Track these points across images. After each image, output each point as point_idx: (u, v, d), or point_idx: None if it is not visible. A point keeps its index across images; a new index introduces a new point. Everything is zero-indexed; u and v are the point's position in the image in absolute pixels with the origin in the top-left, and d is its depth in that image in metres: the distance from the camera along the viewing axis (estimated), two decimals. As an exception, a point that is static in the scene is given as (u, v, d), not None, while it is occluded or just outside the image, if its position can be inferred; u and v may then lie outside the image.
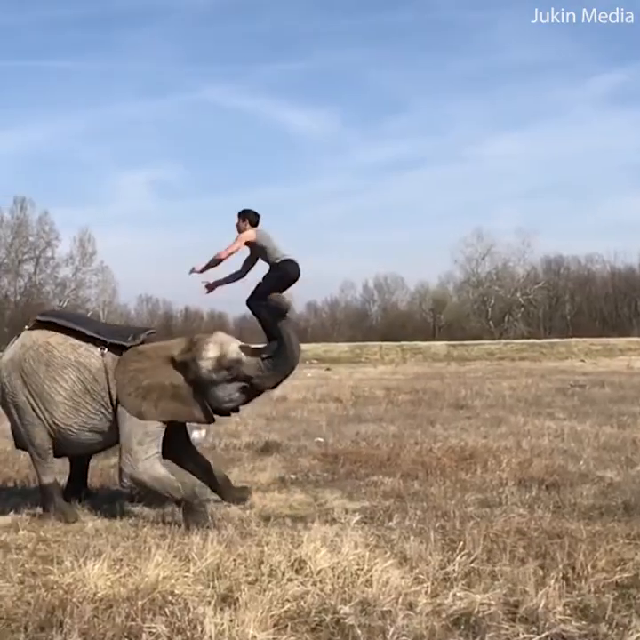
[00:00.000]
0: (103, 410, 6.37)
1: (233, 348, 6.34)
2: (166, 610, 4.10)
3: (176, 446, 6.69)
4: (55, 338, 6.52)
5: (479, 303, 66.04)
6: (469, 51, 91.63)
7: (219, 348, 6.31)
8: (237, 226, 6.90)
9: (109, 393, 6.34)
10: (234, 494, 6.74)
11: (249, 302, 6.81)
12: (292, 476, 7.79)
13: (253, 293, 6.80)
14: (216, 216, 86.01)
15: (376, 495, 6.86)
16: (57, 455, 6.67)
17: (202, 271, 6.88)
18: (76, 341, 6.49)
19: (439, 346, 44.70)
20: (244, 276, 7.00)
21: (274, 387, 6.60)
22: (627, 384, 18.49)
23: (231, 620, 3.87)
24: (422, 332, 61.50)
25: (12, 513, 6.53)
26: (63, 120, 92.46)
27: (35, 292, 60.35)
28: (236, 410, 6.73)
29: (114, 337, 6.49)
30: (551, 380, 20.45)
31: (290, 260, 6.78)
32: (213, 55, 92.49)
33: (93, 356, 6.42)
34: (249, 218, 6.90)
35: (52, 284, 61.79)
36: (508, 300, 65.27)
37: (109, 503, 6.72)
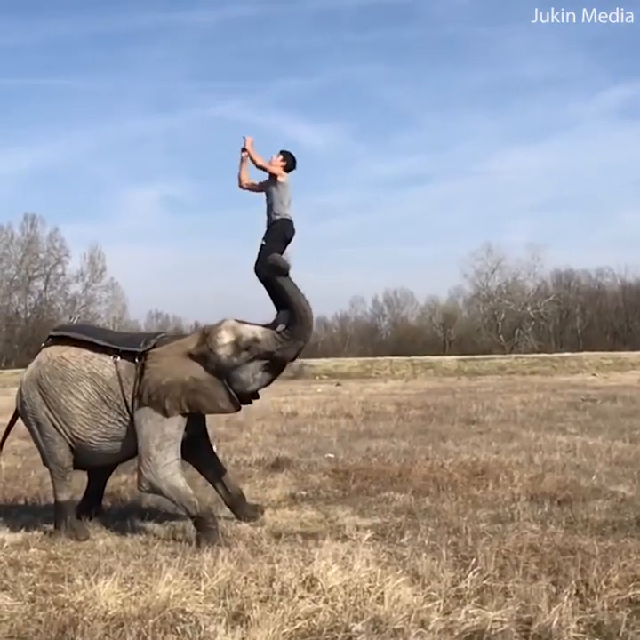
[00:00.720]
0: (121, 418, 6.36)
1: (246, 328, 6.32)
2: (177, 628, 4.09)
3: (198, 452, 6.70)
4: (69, 351, 6.55)
5: (489, 317, 65.85)
6: (478, 66, 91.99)
7: (232, 332, 6.29)
8: (271, 160, 6.94)
9: (125, 400, 6.33)
10: (246, 511, 6.72)
11: (256, 268, 6.78)
12: (303, 493, 7.77)
13: (258, 258, 6.80)
14: (226, 232, 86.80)
15: (387, 511, 6.84)
16: (80, 468, 6.68)
17: (246, 153, 6.99)
18: (89, 353, 6.50)
19: (450, 360, 44.58)
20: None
21: (295, 357, 6.49)
22: (638, 398, 18.39)
23: (242, 639, 3.86)
24: (432, 346, 61.35)
25: (22, 530, 6.53)
26: (73, 137, 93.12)
27: (45, 309, 60.55)
28: (256, 396, 6.64)
29: (125, 344, 6.49)
30: (562, 395, 20.35)
31: (287, 220, 6.80)
32: (222, 71, 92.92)
33: (106, 366, 6.42)
34: (288, 161, 6.96)
35: (62, 301, 62.05)
36: (518, 314, 65.07)
37: (120, 521, 6.71)
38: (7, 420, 7.04)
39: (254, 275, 6.83)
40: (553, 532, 5.90)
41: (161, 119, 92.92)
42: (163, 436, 6.20)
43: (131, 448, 6.39)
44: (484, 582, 4.69)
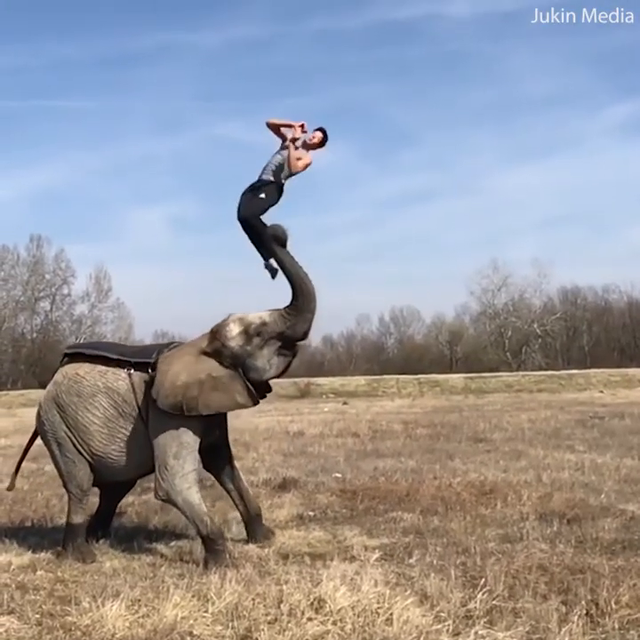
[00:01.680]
0: (138, 430, 6.33)
1: (252, 315, 6.30)
2: (185, 651, 4.06)
3: (219, 462, 6.67)
4: (83, 368, 6.57)
5: (496, 335, 65.78)
6: (482, 83, 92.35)
7: (239, 322, 6.27)
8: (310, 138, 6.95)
9: (140, 411, 6.31)
10: (260, 532, 6.65)
11: (240, 215, 6.74)
12: (311, 513, 7.74)
13: (241, 203, 6.76)
14: (232, 251, 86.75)
15: (395, 531, 6.80)
16: (102, 484, 6.67)
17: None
18: (103, 367, 6.52)
19: (456, 378, 44.47)
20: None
21: (306, 332, 6.33)
22: (647, 415, 18.31)
23: (250, 661, 3.83)
24: (439, 364, 61.29)
25: (29, 553, 6.52)
26: (79, 158, 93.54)
27: (51, 330, 60.70)
28: (269, 388, 6.59)
29: (138, 356, 6.51)
30: (570, 412, 20.28)
31: (278, 185, 6.79)
32: (227, 91, 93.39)
33: (120, 379, 6.42)
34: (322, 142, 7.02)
35: (68, 321, 62.22)
36: (525, 331, 65.00)
37: (127, 543, 6.69)
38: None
39: (239, 222, 6.76)
40: (562, 552, 5.86)
41: (166, 139, 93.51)
42: (180, 444, 6.16)
43: (150, 462, 6.30)
44: (494, 602, 4.66)
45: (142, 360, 6.43)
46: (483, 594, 4.72)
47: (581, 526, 6.68)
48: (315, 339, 65.56)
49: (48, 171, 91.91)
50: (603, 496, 7.94)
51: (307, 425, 17.73)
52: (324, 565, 5.61)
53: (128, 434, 6.37)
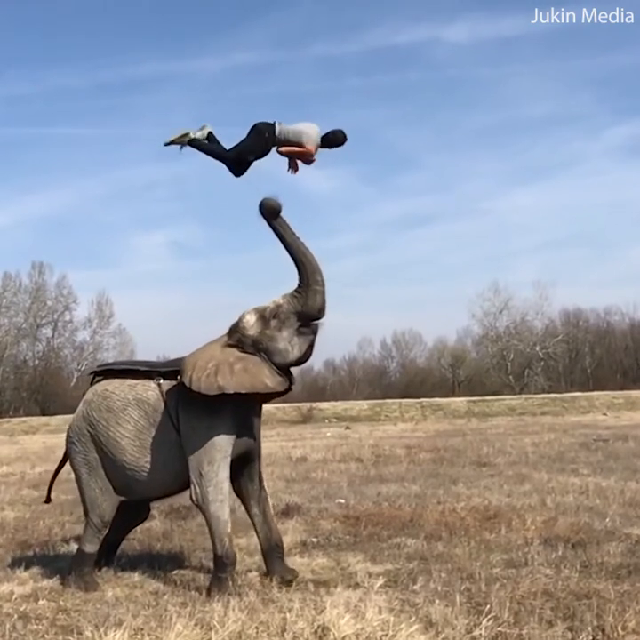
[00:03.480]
0: (170, 441, 6.22)
1: (264, 304, 6.26)
2: (188, 681, 4.03)
3: (248, 482, 6.49)
4: (113, 383, 6.53)
5: (498, 358, 65.73)
6: (482, 106, 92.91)
7: (254, 311, 6.24)
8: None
9: (171, 419, 6.22)
10: (281, 568, 6.32)
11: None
12: (314, 540, 7.70)
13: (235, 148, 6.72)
14: (234, 276, 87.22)
15: (399, 557, 6.76)
16: (131, 498, 6.51)
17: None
18: (133, 381, 6.48)
19: (459, 402, 44.40)
20: None
21: (321, 307, 6.18)
22: (651, 437, 18.26)
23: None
24: (442, 388, 61.23)
25: (31, 582, 6.48)
26: (81, 184, 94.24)
27: (53, 356, 60.76)
28: (305, 358, 6.37)
29: (167, 366, 6.47)
30: (574, 435, 20.22)
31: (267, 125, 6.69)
32: (228, 117, 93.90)
33: (150, 389, 6.37)
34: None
35: (70, 348, 62.39)
36: (527, 354, 64.97)
37: (130, 571, 6.65)
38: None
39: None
40: (567, 577, 5.82)
41: (167, 165, 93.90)
42: (213, 447, 6.05)
43: (184, 476, 6.19)
44: (499, 629, 4.63)
45: (171, 369, 6.37)
46: (488, 620, 4.70)
47: (586, 551, 6.65)
48: (316, 363, 65.55)
49: (50, 197, 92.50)
50: (607, 520, 7.90)
51: (309, 450, 17.69)
52: (327, 592, 5.57)
53: (160, 445, 6.26)
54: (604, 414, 34.16)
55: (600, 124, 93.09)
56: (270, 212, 6.16)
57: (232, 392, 5.95)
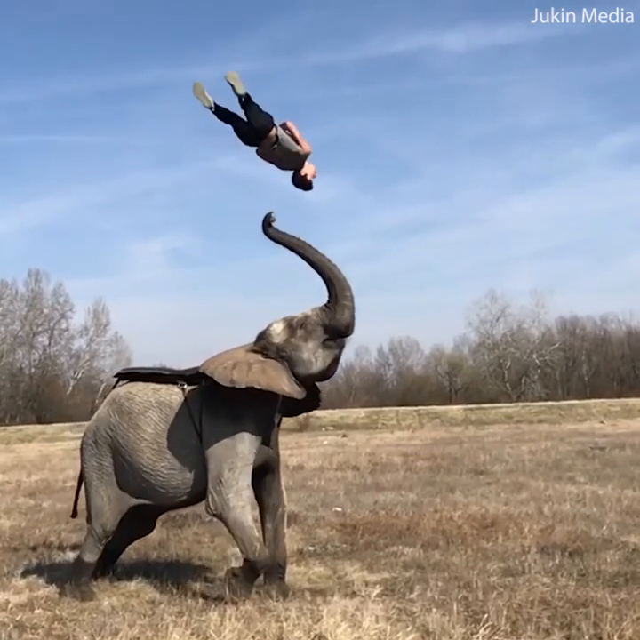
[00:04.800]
0: (191, 445, 6.15)
1: (292, 314, 6.24)
2: (184, 691, 4.02)
3: (264, 494, 6.39)
4: (136, 386, 6.49)
5: (495, 366, 65.75)
6: (479, 115, 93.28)
7: (283, 320, 6.23)
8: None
9: (193, 423, 6.16)
10: (278, 586, 6.11)
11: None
12: (311, 548, 7.68)
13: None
14: (231, 284, 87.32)
15: (396, 566, 6.75)
16: (152, 506, 6.44)
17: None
18: (157, 385, 6.45)
19: (456, 410, 44.39)
20: None
21: (350, 324, 6.15)
22: (647, 445, 18.26)
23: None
24: (439, 395, 61.23)
25: (27, 591, 6.45)
26: (78, 192, 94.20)
27: (49, 364, 60.69)
28: (319, 397, 6.47)
29: (191, 371, 6.40)
30: (571, 443, 20.23)
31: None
32: (224, 125, 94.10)
33: (173, 393, 6.33)
34: None
35: (66, 356, 62.31)
36: (524, 361, 65.01)
37: (126, 580, 6.63)
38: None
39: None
40: (565, 585, 5.81)
41: (165, 173, 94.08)
42: (235, 455, 5.99)
43: (201, 484, 6.12)
44: (496, 638, 4.62)
45: (195, 373, 6.30)
46: (485, 629, 4.69)
47: (583, 559, 6.64)
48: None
49: (47, 205, 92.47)
50: (604, 528, 7.89)
51: (306, 458, 17.67)
52: (324, 601, 5.56)
53: (178, 449, 6.19)
54: (601, 422, 34.18)
55: (597, 132, 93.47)
56: (265, 224, 6.21)
57: (244, 386, 5.89)
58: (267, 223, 6.26)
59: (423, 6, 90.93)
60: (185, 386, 6.34)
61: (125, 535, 6.85)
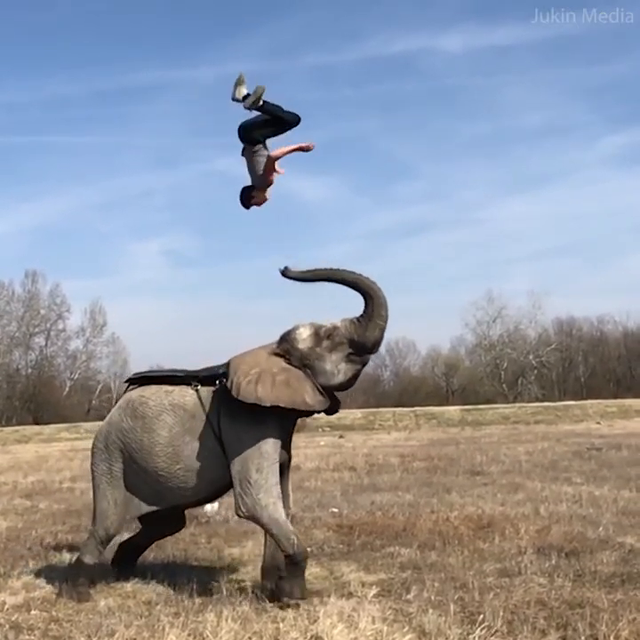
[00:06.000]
0: (207, 446, 6.12)
1: (324, 322, 6.23)
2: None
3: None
4: (149, 390, 6.45)
5: (492, 366, 65.77)
6: (477, 116, 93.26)
7: (310, 326, 6.21)
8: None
9: (210, 425, 6.13)
10: (271, 586, 6.09)
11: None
12: (307, 549, 7.66)
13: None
14: (229, 285, 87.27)
15: (393, 567, 6.75)
16: (161, 506, 6.38)
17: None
18: (170, 387, 6.41)
19: (453, 411, 44.37)
20: None
21: (377, 342, 6.18)
22: (644, 446, 18.28)
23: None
24: (435, 396, 61.24)
25: (23, 592, 6.45)
26: (76, 193, 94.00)
27: (46, 365, 60.58)
28: (338, 403, 6.41)
29: (205, 372, 6.39)
30: (567, 444, 20.24)
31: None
32: (223, 126, 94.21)
33: (187, 395, 6.29)
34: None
35: (63, 357, 62.16)
36: (520, 362, 65.02)
37: (122, 581, 6.63)
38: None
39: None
40: (561, 586, 5.82)
41: (163, 174, 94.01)
42: (261, 456, 5.97)
43: (222, 480, 6.12)
44: (492, 638, 4.63)
45: (209, 374, 6.32)
46: (481, 630, 4.70)
47: (580, 560, 6.65)
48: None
49: (45, 206, 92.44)
50: (601, 529, 7.90)
51: (303, 459, 17.65)
52: (321, 602, 5.56)
53: (194, 450, 6.16)
54: (598, 423, 34.18)
55: (595, 134, 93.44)
56: (284, 274, 6.18)
57: (268, 405, 5.90)
58: (285, 274, 6.23)
59: (421, 7, 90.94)
60: (199, 387, 6.31)
61: (154, 532, 6.85)
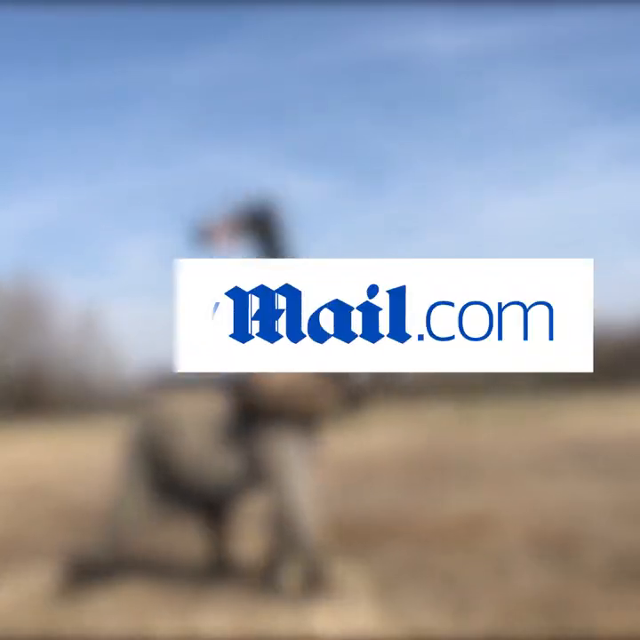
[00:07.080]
0: (233, 449, 6.03)
1: None
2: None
3: None
4: (171, 395, 6.38)
5: (487, 365, 65.93)
6: (469, 116, 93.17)
7: None
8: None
9: (236, 431, 6.04)
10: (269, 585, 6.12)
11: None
12: (305, 548, 7.65)
13: None
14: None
15: (386, 565, 6.75)
16: (196, 510, 6.36)
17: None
18: (193, 392, 6.35)
19: (448, 407, 44.46)
20: None
21: None
22: (637, 445, 18.32)
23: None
24: (433, 393, 61.30)
25: (15, 594, 6.42)
26: (70, 191, 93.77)
27: (38, 366, 60.47)
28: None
29: (230, 377, 6.36)
30: (562, 442, 20.27)
31: None
32: (213, 126, 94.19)
33: (213, 400, 6.21)
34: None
35: (55, 357, 62.02)
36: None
37: (117, 583, 6.60)
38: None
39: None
40: (555, 585, 5.83)
41: (155, 173, 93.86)
42: (287, 455, 5.94)
43: (246, 486, 6.08)
44: (486, 637, 4.62)
45: (234, 380, 6.20)
46: (476, 628, 4.69)
47: (574, 558, 6.66)
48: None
49: (37, 204, 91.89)
50: (595, 528, 7.91)
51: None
52: (314, 601, 5.55)
53: (223, 457, 6.04)
54: (593, 420, 34.25)
55: (595, 134, 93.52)
56: None
57: (288, 410, 5.86)
58: None
59: (417, 6, 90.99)
60: (224, 393, 6.21)
61: (216, 520, 6.74)
